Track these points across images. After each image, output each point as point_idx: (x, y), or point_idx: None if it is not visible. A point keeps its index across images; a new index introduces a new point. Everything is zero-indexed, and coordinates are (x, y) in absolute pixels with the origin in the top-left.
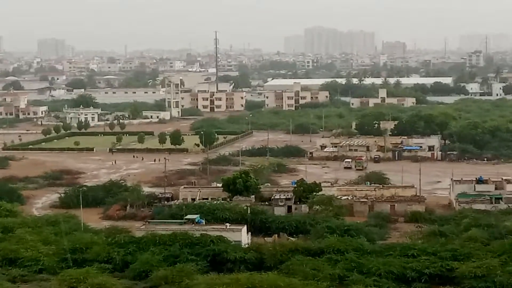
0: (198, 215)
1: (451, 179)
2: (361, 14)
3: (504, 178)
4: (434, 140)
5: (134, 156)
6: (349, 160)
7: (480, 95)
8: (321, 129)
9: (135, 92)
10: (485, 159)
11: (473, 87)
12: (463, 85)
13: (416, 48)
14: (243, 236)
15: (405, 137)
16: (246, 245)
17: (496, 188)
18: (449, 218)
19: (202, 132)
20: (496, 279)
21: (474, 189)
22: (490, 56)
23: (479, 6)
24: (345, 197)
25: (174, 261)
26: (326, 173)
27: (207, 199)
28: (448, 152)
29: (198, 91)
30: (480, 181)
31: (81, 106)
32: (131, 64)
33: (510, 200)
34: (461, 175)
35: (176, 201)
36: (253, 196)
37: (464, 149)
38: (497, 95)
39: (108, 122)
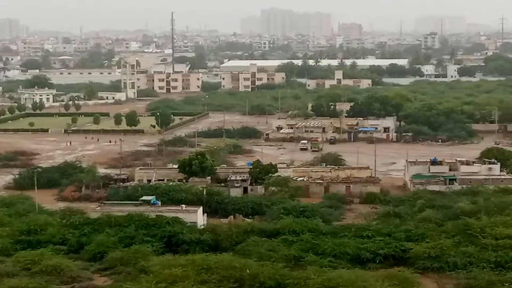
0: (153, 197)
1: (406, 160)
2: None
3: (458, 159)
4: (390, 122)
5: (86, 138)
6: (305, 141)
7: (435, 77)
8: (277, 111)
9: (90, 73)
10: (440, 140)
11: (428, 69)
12: (419, 67)
13: (372, 30)
14: (199, 218)
15: (361, 118)
16: (202, 227)
17: (450, 170)
18: (403, 199)
19: (158, 113)
20: (449, 259)
21: (429, 170)
22: (445, 38)
23: None
24: (301, 179)
25: (129, 243)
26: (282, 154)
27: (163, 180)
28: (403, 134)
29: (154, 72)
30: (434, 162)
31: (36, 87)
32: (87, 44)
33: (464, 181)
34: (416, 156)
35: (131, 182)
36: (209, 177)
37: (419, 130)
38: (452, 77)
39: (63, 103)
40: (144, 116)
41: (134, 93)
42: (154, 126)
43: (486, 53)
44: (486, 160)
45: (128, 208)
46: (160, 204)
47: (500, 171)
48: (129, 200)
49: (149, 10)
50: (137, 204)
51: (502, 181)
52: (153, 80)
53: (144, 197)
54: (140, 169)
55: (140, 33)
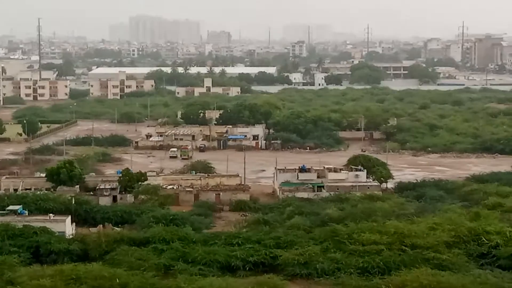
0: (20, 206)
1: (275, 168)
2: (186, 3)
3: (325, 166)
4: (259, 130)
5: None
6: (175, 149)
7: (303, 85)
8: (146, 118)
9: None
10: (308, 148)
11: (296, 77)
12: (287, 75)
13: (241, 37)
14: (67, 227)
15: (230, 126)
16: (70, 236)
17: (318, 177)
18: (273, 207)
19: (24, 121)
20: (318, 265)
21: (297, 177)
22: (313, 47)
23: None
24: (171, 187)
25: None
26: (151, 162)
27: (30, 189)
28: (272, 141)
29: (20, 79)
30: (303, 169)
31: None
32: None
33: (332, 188)
34: (285, 164)
35: None
36: (78, 186)
37: (287, 138)
38: (319, 85)
39: None
40: (10, 124)
41: (0, 100)
42: (20, 134)
43: (352, 61)
44: (353, 167)
45: None
46: (27, 214)
47: (367, 178)
48: None
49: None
50: (3, 214)
51: (368, 187)
52: (19, 87)
53: (11, 207)
54: (6, 178)
55: (5, 39)
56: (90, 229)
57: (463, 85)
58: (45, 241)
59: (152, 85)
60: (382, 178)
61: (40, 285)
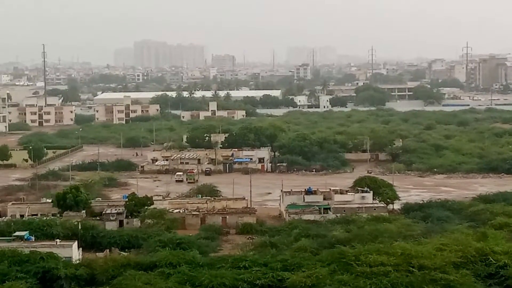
0: (27, 232)
1: (281, 190)
2: (190, 27)
3: (332, 188)
4: (264, 152)
5: None
6: (181, 173)
7: (308, 107)
8: (152, 143)
9: None
10: (314, 170)
11: (301, 99)
12: (292, 98)
13: (245, 61)
14: (74, 252)
15: (236, 149)
16: (77, 261)
17: (324, 199)
18: (279, 229)
19: (30, 147)
20: None
21: (304, 200)
22: (317, 69)
23: (306, 23)
24: (177, 210)
25: (2, 280)
26: (157, 186)
27: (36, 215)
28: (278, 164)
29: (26, 105)
30: (309, 192)
31: None
32: None
33: (338, 210)
34: (291, 186)
35: (4, 217)
36: (84, 211)
37: (293, 160)
38: (324, 107)
39: None
40: (16, 150)
41: (6, 127)
42: (26, 160)
43: (357, 83)
44: (359, 188)
45: (1, 245)
46: (33, 240)
47: (373, 199)
48: (1, 236)
49: (19, 42)
50: (9, 240)
51: (374, 209)
52: (25, 113)
53: (17, 233)
54: (12, 204)
55: (10, 65)
56: (97, 254)
57: (468, 105)
58: (52, 267)
59: (157, 110)
60: (388, 200)
61: None
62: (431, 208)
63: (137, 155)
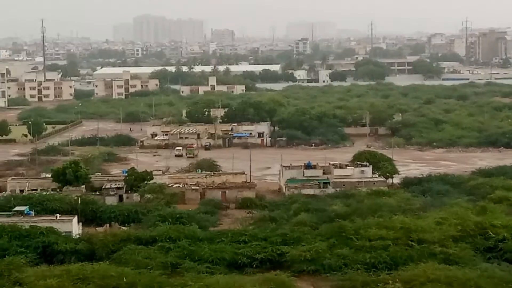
0: (27, 207)
1: (281, 165)
2: (190, 2)
3: (331, 163)
4: (264, 127)
5: None
6: (180, 148)
7: (308, 82)
8: (151, 118)
9: None
10: (313, 144)
11: (300, 74)
12: (291, 72)
13: (244, 35)
14: (74, 227)
15: (235, 124)
16: (77, 236)
17: (324, 173)
18: (279, 204)
19: (30, 122)
20: (324, 262)
21: (303, 174)
22: (317, 44)
23: None
24: (177, 185)
25: (2, 254)
26: (157, 161)
27: (36, 190)
28: (278, 139)
29: (25, 80)
30: (308, 166)
31: None
32: None
33: (338, 185)
34: (290, 160)
35: (3, 192)
36: (84, 186)
37: (292, 135)
38: (323, 81)
39: None
40: (16, 125)
41: (5, 102)
42: (26, 135)
43: (357, 58)
44: (358, 163)
45: (1, 219)
46: (33, 215)
47: (372, 173)
48: (1, 211)
49: (18, 17)
50: (9, 215)
51: (374, 183)
52: (24, 89)
53: (17, 208)
54: (12, 179)
55: (9, 40)
56: (96, 228)
57: (468, 79)
58: (52, 241)
59: (156, 85)
60: (387, 174)
61: (48, 285)
62: (431, 182)
63: (131, 130)
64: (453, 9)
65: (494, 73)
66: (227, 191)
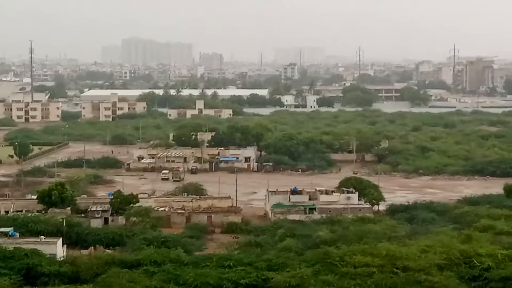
0: (11, 228)
1: (267, 190)
2: (178, 25)
3: (317, 188)
4: (251, 152)
5: None
6: (167, 171)
7: (295, 107)
8: (138, 140)
9: None
10: (300, 170)
11: (288, 99)
12: (279, 97)
13: (233, 60)
14: (59, 249)
15: (222, 148)
16: (62, 258)
17: (310, 199)
18: (264, 229)
19: (16, 143)
20: None
21: (289, 199)
22: (305, 69)
23: (293, 20)
24: (162, 209)
25: None
26: (143, 184)
27: (21, 211)
28: (264, 163)
29: (12, 101)
30: (294, 191)
31: None
32: None
33: (324, 210)
34: (277, 186)
35: None
36: (69, 208)
37: (279, 160)
38: (311, 107)
39: None
40: (2, 146)
41: None
42: (12, 156)
43: (344, 84)
44: (344, 189)
45: None
46: (18, 236)
47: (358, 200)
48: None
49: (6, 38)
50: None
51: (360, 210)
52: (11, 109)
53: (2, 229)
54: None
55: None
56: (81, 251)
57: (455, 107)
58: (36, 264)
59: (144, 107)
60: (373, 201)
61: None
62: (416, 210)
63: (112, 152)
64: (440, 37)
65: (480, 102)
66: (213, 216)
